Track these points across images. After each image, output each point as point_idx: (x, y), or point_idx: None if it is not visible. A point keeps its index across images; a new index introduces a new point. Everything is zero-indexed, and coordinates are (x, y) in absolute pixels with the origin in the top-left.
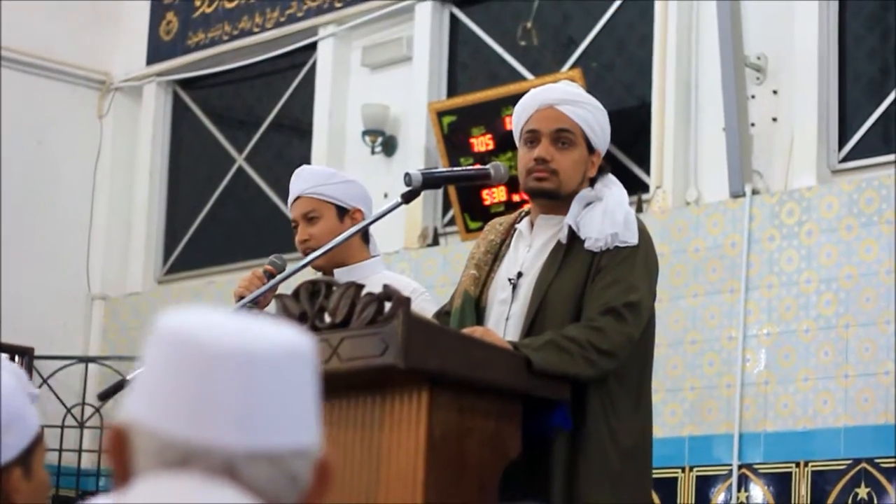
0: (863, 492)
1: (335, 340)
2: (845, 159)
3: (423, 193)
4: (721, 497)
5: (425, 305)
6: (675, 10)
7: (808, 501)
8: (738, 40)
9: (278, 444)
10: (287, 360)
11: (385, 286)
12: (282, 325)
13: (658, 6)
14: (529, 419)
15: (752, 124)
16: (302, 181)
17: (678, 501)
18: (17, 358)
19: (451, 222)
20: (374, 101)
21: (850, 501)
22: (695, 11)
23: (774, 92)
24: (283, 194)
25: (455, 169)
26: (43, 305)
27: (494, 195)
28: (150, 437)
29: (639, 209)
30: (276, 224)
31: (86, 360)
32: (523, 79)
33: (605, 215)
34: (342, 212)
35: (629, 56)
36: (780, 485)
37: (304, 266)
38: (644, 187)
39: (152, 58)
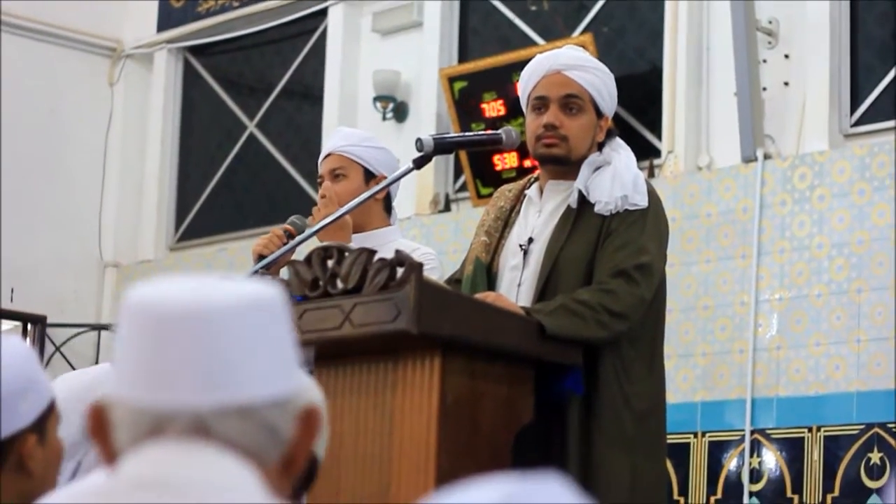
0: (875, 457)
1: (348, 306)
2: (857, 123)
3: (434, 159)
4: (733, 462)
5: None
6: None
7: (821, 466)
8: (749, 5)
9: (248, 396)
10: (247, 312)
11: (397, 251)
12: (244, 280)
13: None
14: (542, 384)
15: (764, 89)
16: (337, 138)
17: (690, 467)
18: (29, 326)
19: (463, 188)
20: (384, 67)
21: (862, 466)
22: None
23: (786, 56)
24: (295, 161)
25: (466, 134)
26: (55, 273)
27: (506, 160)
28: (124, 410)
29: (650, 174)
30: (288, 190)
31: (98, 327)
32: (534, 44)
33: (614, 179)
34: (369, 175)
35: (640, 21)
36: (793, 450)
37: (326, 226)
38: (656, 152)
39: (163, 25)
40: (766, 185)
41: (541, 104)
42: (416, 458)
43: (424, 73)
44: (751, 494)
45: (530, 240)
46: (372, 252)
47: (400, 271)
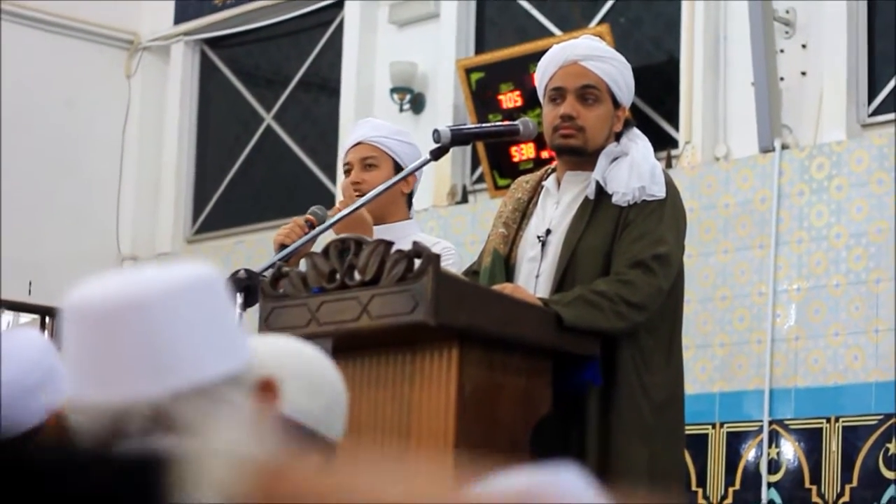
0: (893, 447)
1: (365, 298)
2: (875, 113)
3: (451, 151)
4: (752, 453)
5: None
6: None
7: (839, 457)
8: None
9: (200, 377)
10: (183, 294)
11: (414, 243)
12: (177, 265)
13: None
14: (560, 376)
15: (782, 79)
16: (368, 128)
17: (708, 457)
18: (47, 319)
19: (480, 179)
20: (401, 58)
21: (881, 456)
22: None
23: (803, 46)
24: (312, 153)
25: (484, 125)
26: (72, 266)
27: (523, 152)
28: (81, 413)
29: (668, 165)
30: (305, 182)
31: None
32: (551, 35)
33: (631, 169)
34: (398, 169)
35: (657, 11)
36: (811, 440)
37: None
38: (673, 143)
39: (180, 17)
40: (783, 176)
41: (558, 95)
42: (435, 450)
43: (441, 65)
44: (769, 485)
45: (548, 231)
46: (389, 244)
47: (417, 263)
